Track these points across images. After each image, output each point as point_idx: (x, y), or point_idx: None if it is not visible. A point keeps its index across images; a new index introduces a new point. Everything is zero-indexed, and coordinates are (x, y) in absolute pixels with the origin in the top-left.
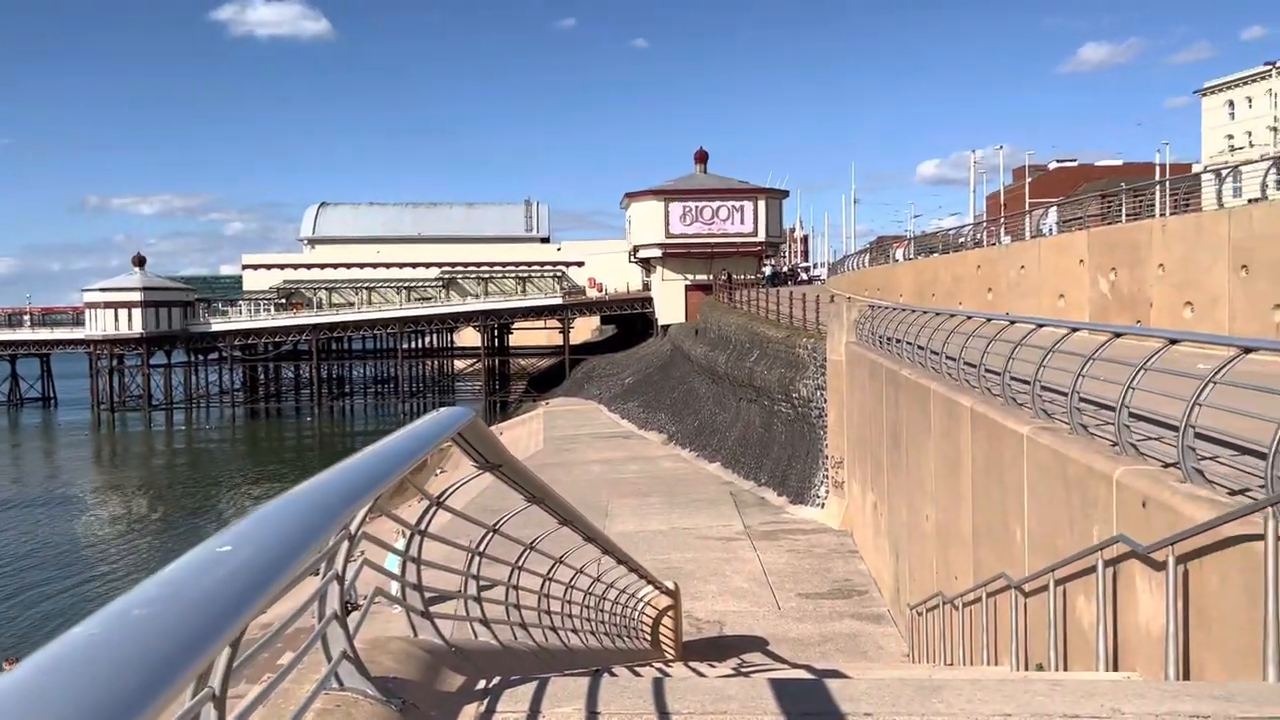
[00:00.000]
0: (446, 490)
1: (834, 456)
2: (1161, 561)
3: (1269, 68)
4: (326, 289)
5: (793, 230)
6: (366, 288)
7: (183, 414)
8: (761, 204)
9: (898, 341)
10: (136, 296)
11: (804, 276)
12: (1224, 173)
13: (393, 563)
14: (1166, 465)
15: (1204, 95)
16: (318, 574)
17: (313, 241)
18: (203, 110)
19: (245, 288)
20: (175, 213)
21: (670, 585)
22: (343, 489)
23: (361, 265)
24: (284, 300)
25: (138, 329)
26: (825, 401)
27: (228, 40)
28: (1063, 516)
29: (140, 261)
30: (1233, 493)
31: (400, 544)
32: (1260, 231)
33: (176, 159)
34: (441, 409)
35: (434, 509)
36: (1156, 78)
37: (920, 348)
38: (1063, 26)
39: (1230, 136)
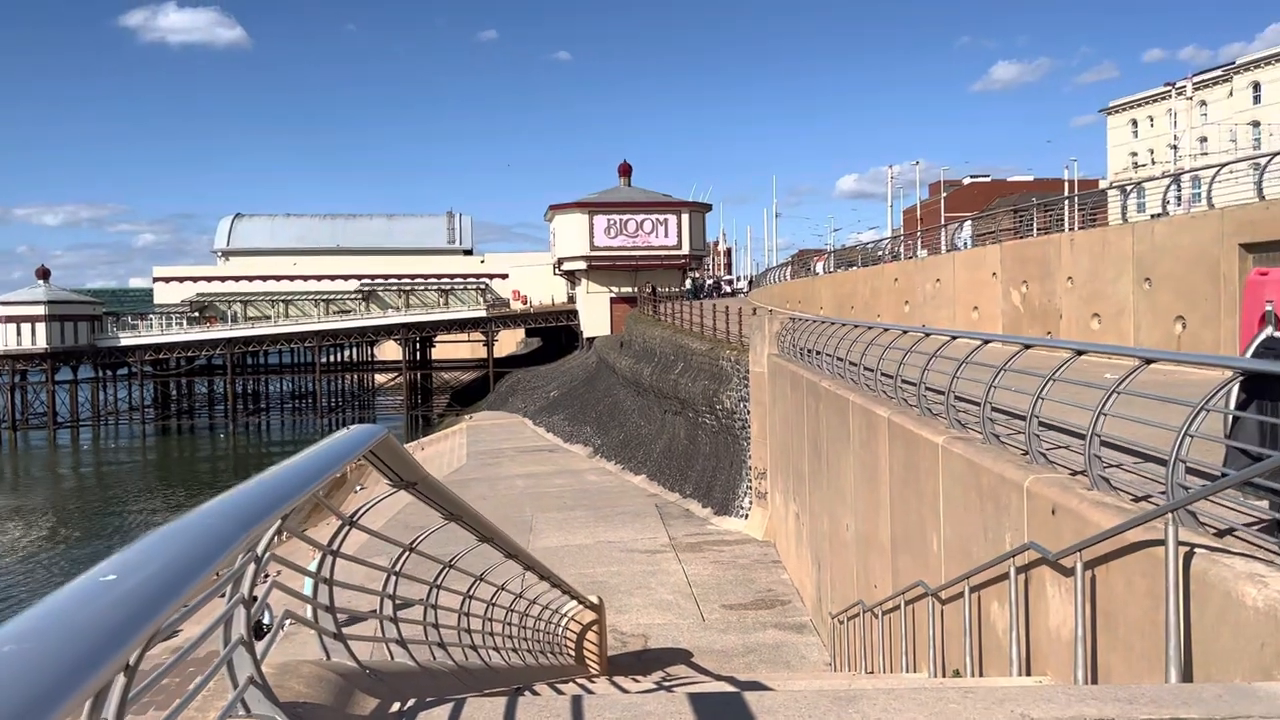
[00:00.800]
0: (361, 509)
1: (757, 467)
2: (1070, 567)
3: (1169, 88)
4: (241, 302)
5: (716, 243)
6: (283, 301)
7: (89, 432)
8: (685, 217)
9: (818, 353)
10: (40, 310)
11: (727, 289)
12: (1128, 189)
13: (308, 584)
14: (1074, 473)
15: (1109, 114)
16: (225, 597)
17: (227, 253)
18: (111, 118)
19: (156, 301)
20: (82, 223)
21: (594, 600)
22: (247, 509)
23: (278, 278)
24: (197, 314)
25: (41, 344)
26: (749, 413)
27: (138, 46)
28: (977, 524)
29: (44, 274)
30: (1136, 499)
31: (314, 564)
32: (1162, 245)
33: (83, 168)
34: (353, 426)
35: (347, 528)
36: (1064, 96)
37: (839, 359)
38: (975, 45)
39: (1134, 154)
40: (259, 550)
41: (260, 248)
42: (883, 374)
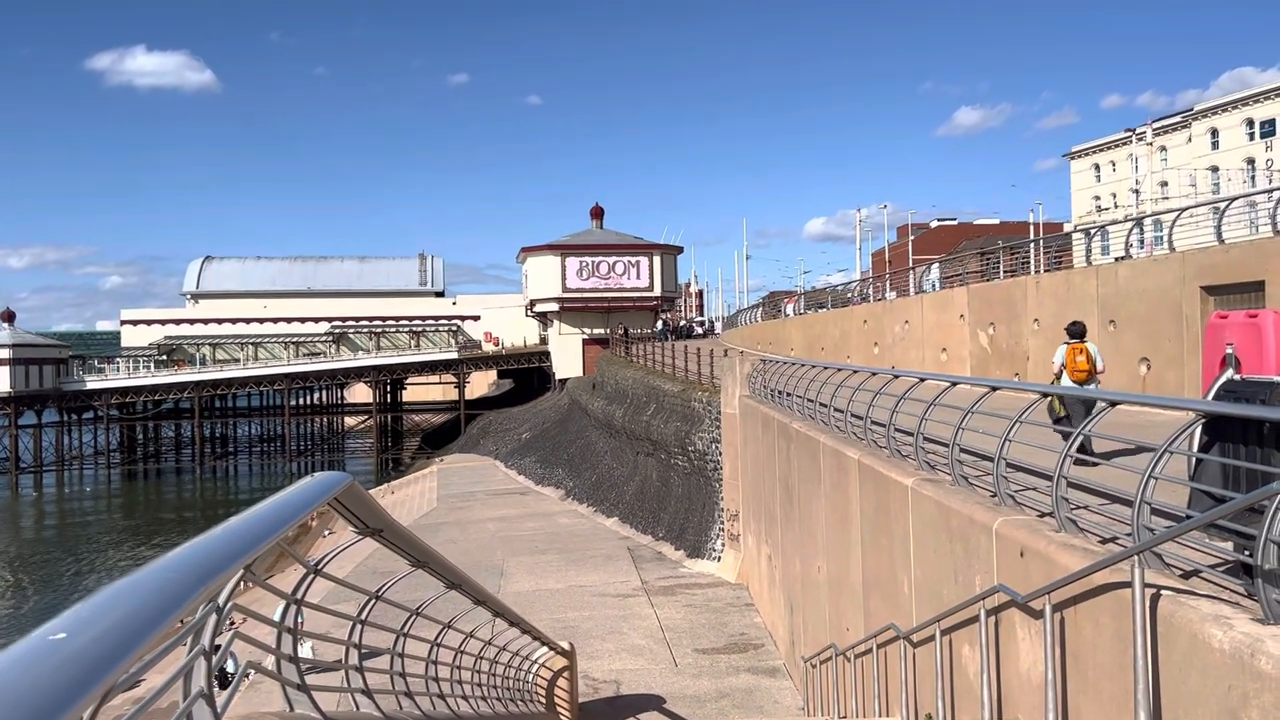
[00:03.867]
0: (326, 556)
1: (729, 509)
2: (1039, 610)
3: (1130, 134)
4: (211, 345)
5: (688, 285)
6: (253, 343)
7: (53, 476)
8: (657, 259)
9: (789, 395)
10: (4, 354)
11: (699, 330)
12: (1092, 232)
13: (274, 634)
14: (1042, 515)
15: (1072, 158)
16: (187, 647)
17: (196, 296)
18: (78, 160)
19: (124, 344)
20: (48, 265)
21: (565, 645)
22: (208, 560)
23: (248, 320)
24: (165, 356)
25: (5, 388)
26: (720, 454)
27: (105, 89)
28: (947, 567)
29: (9, 317)
30: (1103, 541)
31: (279, 613)
32: (1125, 288)
33: (49, 210)
34: (318, 474)
35: (312, 577)
36: (1027, 141)
37: (810, 401)
38: (938, 91)
39: (1097, 198)
40: (221, 600)
41: (230, 290)
42: (853, 415)
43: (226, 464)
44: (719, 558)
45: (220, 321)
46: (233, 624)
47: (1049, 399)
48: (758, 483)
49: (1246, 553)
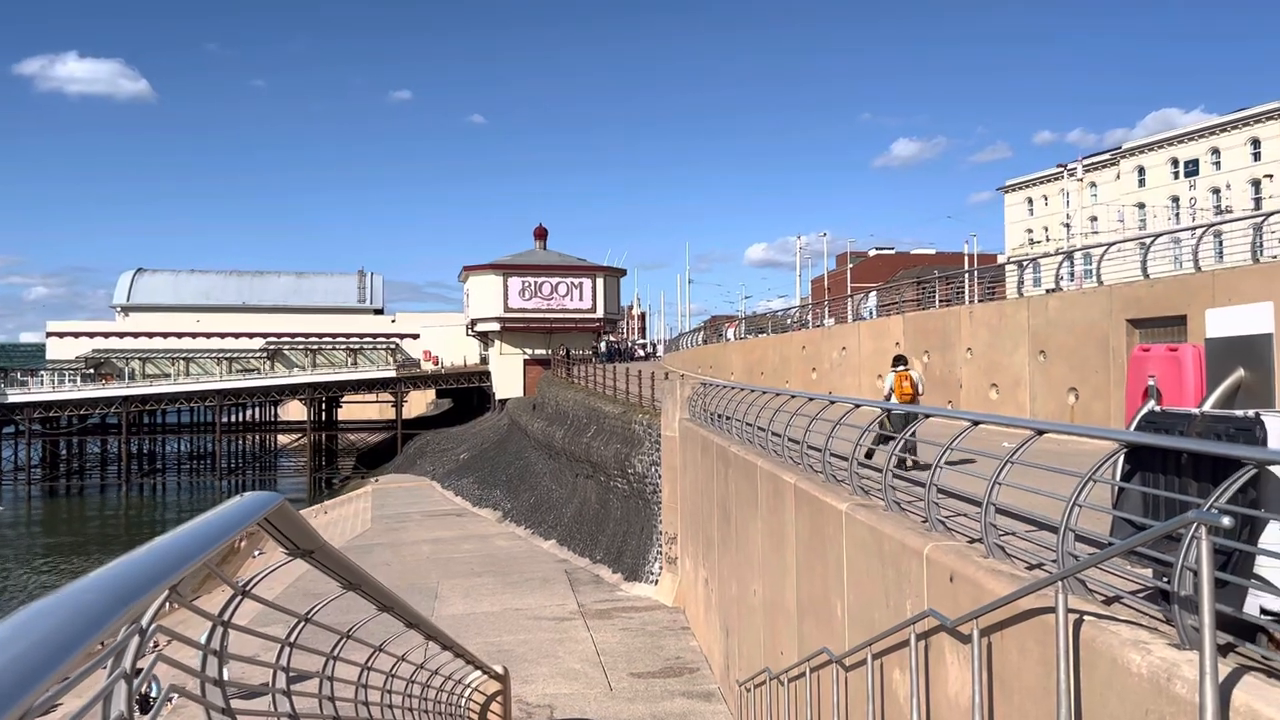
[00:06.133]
0: (255, 577)
1: (668, 532)
2: (968, 634)
3: (1061, 169)
4: (141, 359)
5: (631, 307)
6: (184, 358)
7: None
8: (600, 281)
9: (728, 418)
10: None
11: (641, 353)
12: (1024, 264)
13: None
14: (972, 541)
15: (1006, 192)
16: (107, 670)
17: (126, 309)
18: (1, 167)
19: (49, 356)
20: None
21: (499, 669)
22: (130, 581)
23: (180, 335)
24: (92, 370)
25: None
26: (660, 477)
27: (34, 95)
28: (879, 591)
29: None
30: (1030, 567)
31: (205, 635)
32: (1055, 319)
33: None
34: (248, 493)
35: (239, 598)
36: (962, 174)
37: (749, 425)
38: (875, 123)
39: (1030, 230)
40: (144, 622)
41: (162, 304)
42: (790, 440)
43: (154, 482)
44: (656, 581)
45: (151, 335)
46: (156, 646)
47: (879, 418)
48: (696, 506)
49: (1165, 579)
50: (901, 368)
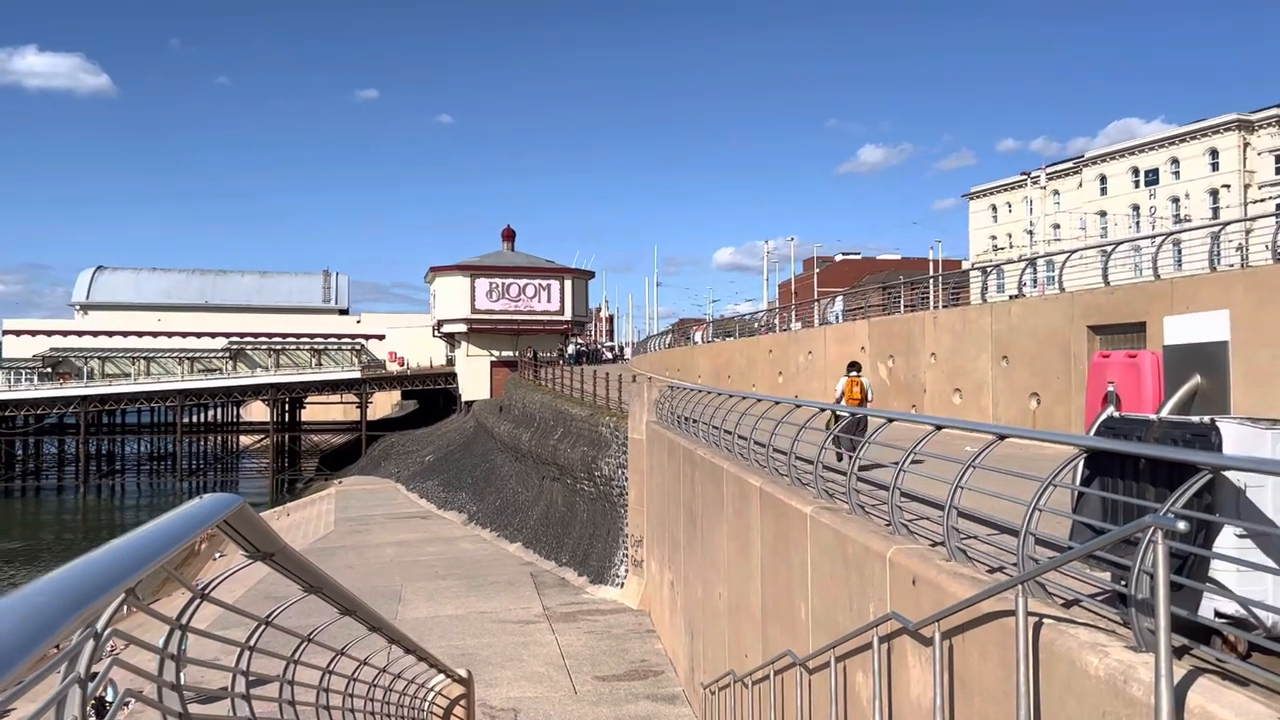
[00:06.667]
0: (215, 579)
1: (634, 535)
2: (929, 637)
3: (1025, 177)
4: (100, 358)
5: (599, 310)
6: (145, 358)
7: None
8: (569, 283)
9: (695, 421)
10: None
11: (608, 355)
12: (988, 270)
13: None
14: (934, 544)
15: (971, 199)
16: (60, 675)
17: (86, 307)
18: None
19: (5, 355)
20: None
21: (463, 673)
22: (85, 584)
23: (140, 334)
24: (50, 369)
25: None
26: (627, 480)
27: None
28: (843, 594)
29: None
30: (991, 570)
31: (163, 639)
32: (1018, 325)
33: None
34: (207, 495)
35: (198, 601)
36: (927, 180)
37: (715, 428)
38: (842, 129)
39: (994, 237)
40: (99, 626)
41: (122, 302)
42: (756, 443)
43: (113, 483)
44: (622, 584)
45: (111, 334)
46: (114, 650)
47: (827, 418)
48: (663, 508)
49: (1123, 582)
50: (854, 373)
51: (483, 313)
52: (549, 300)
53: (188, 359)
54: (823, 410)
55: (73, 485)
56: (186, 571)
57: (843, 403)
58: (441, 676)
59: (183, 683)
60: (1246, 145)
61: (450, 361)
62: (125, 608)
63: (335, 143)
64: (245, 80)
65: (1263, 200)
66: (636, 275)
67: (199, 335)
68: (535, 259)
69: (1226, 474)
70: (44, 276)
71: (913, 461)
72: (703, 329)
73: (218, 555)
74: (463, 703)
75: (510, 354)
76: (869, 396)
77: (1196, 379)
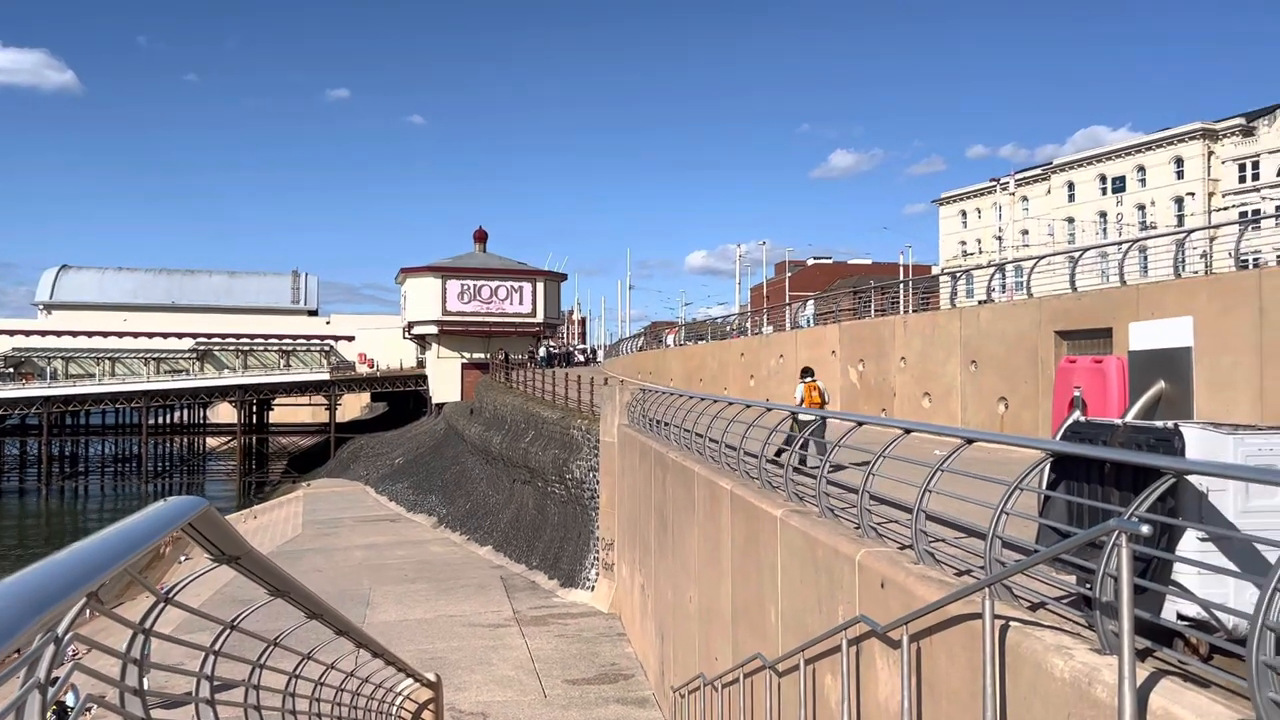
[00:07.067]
0: (179, 583)
1: (605, 538)
2: (898, 640)
3: (994, 183)
4: (64, 358)
5: (571, 312)
6: (110, 358)
7: None
8: (541, 285)
9: (666, 424)
10: None
11: (581, 358)
12: (958, 276)
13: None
14: (903, 547)
15: (941, 204)
16: (20, 680)
17: (50, 306)
18: None
19: None
20: None
21: (431, 677)
22: (45, 588)
23: (106, 334)
24: (12, 370)
25: None
26: (598, 483)
27: None
28: (812, 597)
29: None
30: (959, 573)
31: (126, 644)
32: (986, 330)
33: None
34: (172, 498)
35: (162, 605)
36: (898, 186)
37: (687, 431)
38: (814, 133)
39: (963, 243)
40: (60, 630)
41: (88, 302)
42: (727, 446)
43: (76, 485)
44: (593, 587)
45: (75, 334)
46: (75, 654)
47: (790, 423)
48: (634, 511)
49: (1087, 585)
50: (810, 379)
51: (454, 314)
52: (521, 302)
53: (154, 360)
54: (794, 415)
55: (35, 488)
56: (151, 575)
57: (802, 407)
58: (410, 680)
59: (146, 688)
60: (1211, 154)
61: (421, 364)
62: (87, 612)
63: (306, 142)
64: (214, 79)
65: (1226, 208)
66: (609, 278)
67: (165, 336)
68: (507, 261)
69: (1189, 478)
70: (7, 275)
71: (882, 464)
72: (675, 332)
73: (183, 559)
74: (431, 707)
75: (482, 356)
76: (825, 400)
77: (1160, 384)
